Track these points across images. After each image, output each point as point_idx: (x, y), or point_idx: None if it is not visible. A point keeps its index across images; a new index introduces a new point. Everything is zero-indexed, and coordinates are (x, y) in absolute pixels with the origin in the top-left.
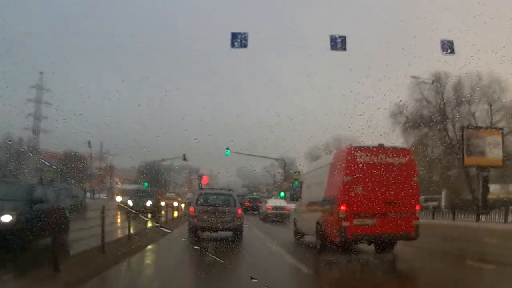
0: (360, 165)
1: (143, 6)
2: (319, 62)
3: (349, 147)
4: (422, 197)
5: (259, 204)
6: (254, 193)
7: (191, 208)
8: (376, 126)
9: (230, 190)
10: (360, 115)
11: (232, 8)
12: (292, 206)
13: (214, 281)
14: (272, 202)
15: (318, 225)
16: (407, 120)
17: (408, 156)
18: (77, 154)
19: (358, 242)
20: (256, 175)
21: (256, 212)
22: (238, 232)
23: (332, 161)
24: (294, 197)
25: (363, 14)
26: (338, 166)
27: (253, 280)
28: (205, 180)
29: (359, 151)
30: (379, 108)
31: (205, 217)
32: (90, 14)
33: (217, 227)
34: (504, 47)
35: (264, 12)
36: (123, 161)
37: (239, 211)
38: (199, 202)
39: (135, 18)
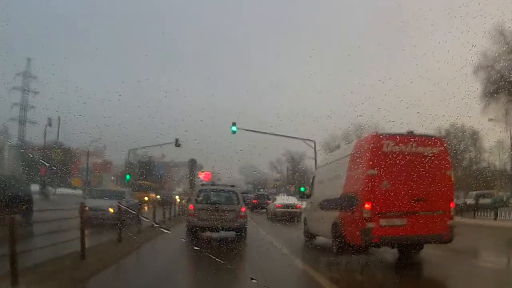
0: (387, 155)
1: (143, 7)
2: (319, 63)
3: (373, 134)
4: (474, 193)
5: (269, 201)
6: (261, 190)
7: (190, 206)
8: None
9: (233, 186)
10: (360, 115)
11: (232, 9)
12: (301, 203)
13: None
14: (282, 200)
15: (335, 226)
16: (499, 77)
17: (440, 146)
18: (75, 151)
19: (384, 245)
20: (260, 172)
21: (265, 211)
22: (241, 232)
23: (352, 152)
24: (304, 194)
25: (363, 15)
26: (361, 157)
27: (253, 280)
28: (206, 177)
29: (385, 140)
30: (379, 108)
31: (205, 215)
32: (90, 15)
33: (218, 227)
34: (504, 48)
35: (265, 12)
36: (122, 158)
37: (243, 209)
38: (198, 199)
39: (135, 19)
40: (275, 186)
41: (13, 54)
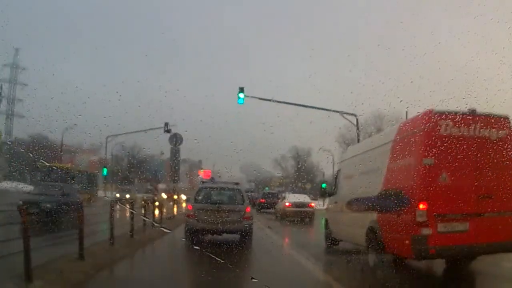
0: (445, 139)
1: (143, 7)
2: (319, 63)
3: (428, 112)
4: None
5: (279, 200)
6: (266, 188)
7: (189, 206)
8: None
9: (236, 183)
10: (360, 115)
11: (233, 9)
12: (314, 202)
13: None
14: (292, 198)
15: (372, 232)
16: None
17: (507, 127)
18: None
19: (442, 257)
20: (261, 170)
21: (273, 211)
22: (246, 235)
23: (396, 137)
24: (325, 192)
25: (363, 15)
26: (410, 143)
27: (253, 280)
28: (207, 175)
29: (444, 119)
30: (379, 108)
31: (206, 216)
32: (90, 14)
33: (220, 229)
34: (504, 48)
35: (265, 12)
36: (122, 157)
37: (248, 209)
38: (198, 198)
39: (135, 19)
40: (280, 183)
41: (11, 53)
